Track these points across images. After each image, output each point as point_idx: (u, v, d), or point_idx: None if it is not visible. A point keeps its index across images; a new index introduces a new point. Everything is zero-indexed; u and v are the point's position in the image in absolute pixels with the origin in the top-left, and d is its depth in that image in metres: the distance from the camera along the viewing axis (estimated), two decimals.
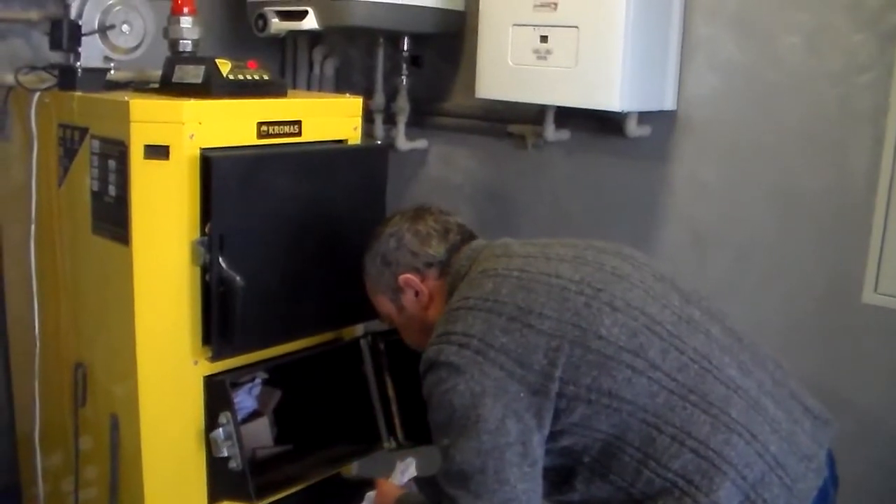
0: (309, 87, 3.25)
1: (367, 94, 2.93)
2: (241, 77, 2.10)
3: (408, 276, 1.86)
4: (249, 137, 2.07)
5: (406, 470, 2.03)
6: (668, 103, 2.50)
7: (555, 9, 2.39)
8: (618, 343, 1.57)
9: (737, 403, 1.58)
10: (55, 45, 2.17)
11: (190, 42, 2.24)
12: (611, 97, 2.34)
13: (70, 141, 2.14)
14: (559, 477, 1.65)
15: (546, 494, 1.62)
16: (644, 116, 2.52)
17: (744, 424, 1.56)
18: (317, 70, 3.24)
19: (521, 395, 1.55)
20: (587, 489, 1.62)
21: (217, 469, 2.11)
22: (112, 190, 2.01)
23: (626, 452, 1.56)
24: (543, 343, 1.56)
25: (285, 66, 3.28)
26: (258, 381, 2.38)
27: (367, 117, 2.74)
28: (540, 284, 1.63)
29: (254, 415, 2.40)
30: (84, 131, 2.09)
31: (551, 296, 1.61)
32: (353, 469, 2.53)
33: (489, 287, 1.66)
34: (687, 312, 1.67)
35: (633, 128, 2.52)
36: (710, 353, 1.62)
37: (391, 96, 3.03)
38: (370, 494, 2.01)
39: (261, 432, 2.39)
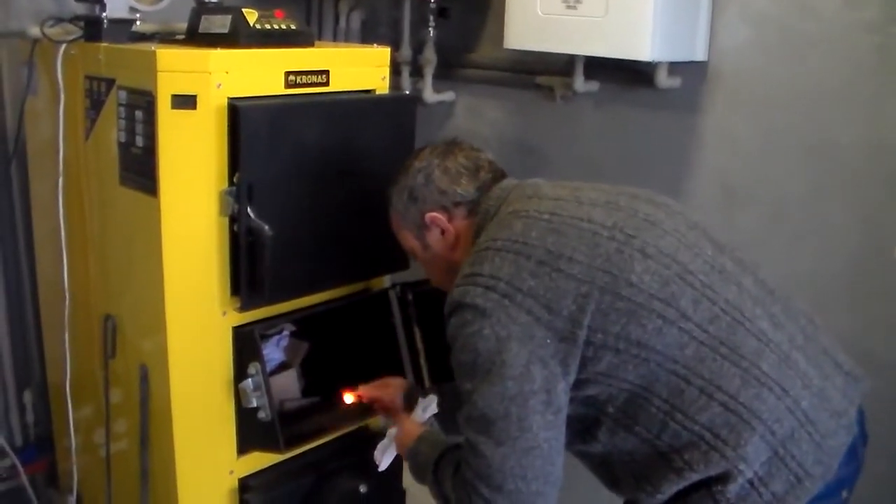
0: (335, 40, 3.23)
1: (394, 46, 2.90)
2: (268, 26, 2.08)
3: (434, 214, 1.81)
4: (277, 87, 2.06)
5: (428, 407, 2.02)
6: (699, 54, 2.46)
7: None
8: (649, 291, 1.54)
9: (768, 357, 1.55)
10: None
11: None
12: (641, 47, 2.31)
13: (97, 93, 2.14)
14: (582, 426, 1.63)
15: (568, 443, 1.60)
16: (674, 67, 2.49)
17: (775, 379, 1.54)
18: (343, 23, 3.22)
19: (548, 341, 1.52)
20: (611, 440, 1.61)
21: (246, 420, 2.13)
22: (139, 141, 2.00)
23: (652, 404, 1.54)
24: (573, 288, 1.53)
25: (310, 19, 3.26)
26: (286, 333, 2.38)
27: (395, 70, 2.72)
28: (571, 228, 1.60)
29: (281, 367, 2.41)
30: (111, 82, 2.08)
31: (582, 240, 1.57)
32: (380, 421, 2.53)
33: (518, 229, 1.62)
34: (720, 262, 1.64)
35: (663, 79, 2.49)
36: (742, 305, 1.59)
37: (418, 48, 3.01)
38: (391, 431, 2.01)
39: (289, 384, 2.40)
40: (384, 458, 2.00)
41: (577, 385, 1.56)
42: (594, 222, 1.61)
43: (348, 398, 2.24)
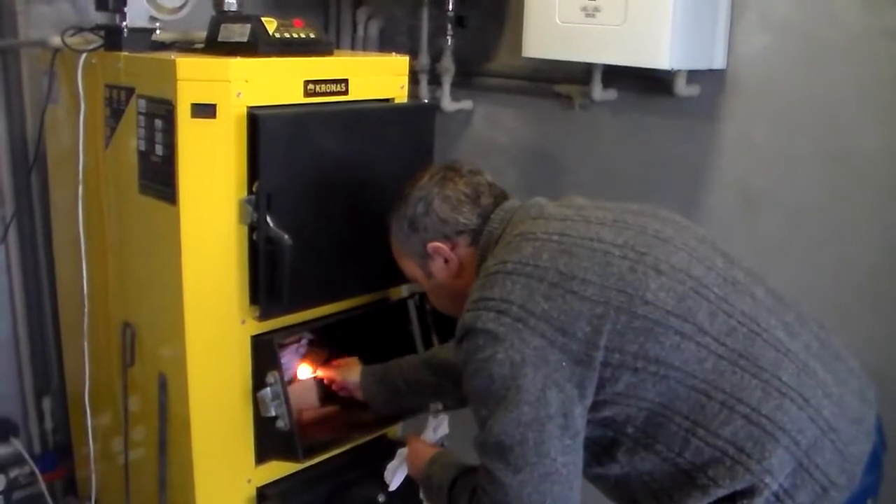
0: (353, 49, 3.23)
1: (412, 55, 2.89)
2: (287, 35, 2.08)
3: (437, 243, 1.79)
4: (296, 96, 2.06)
5: (438, 427, 2.03)
6: (718, 62, 2.45)
7: None
8: (665, 308, 1.52)
9: (787, 367, 1.54)
10: (101, 5, 2.18)
11: (235, 1, 2.23)
12: (660, 55, 2.30)
13: (116, 101, 2.14)
14: (600, 448, 1.61)
15: (584, 467, 1.58)
16: (693, 75, 2.48)
17: (795, 388, 1.52)
18: (360, 31, 3.22)
19: (563, 364, 1.50)
20: (630, 461, 1.59)
21: (265, 428, 2.13)
22: (159, 149, 2.01)
23: (673, 421, 1.53)
24: (587, 310, 1.51)
25: (328, 27, 3.27)
26: (304, 342, 2.38)
27: (412, 78, 2.72)
28: (582, 249, 1.58)
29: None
30: (130, 91, 2.08)
31: (594, 260, 1.56)
32: (398, 430, 2.53)
33: (528, 251, 1.60)
34: (731, 274, 1.62)
35: (681, 87, 2.48)
36: (758, 316, 1.58)
37: (436, 57, 3.01)
38: (402, 451, 2.02)
39: (307, 393, 2.40)
40: (394, 477, 2.02)
41: (595, 407, 1.55)
42: (605, 242, 1.59)
43: (305, 371, 2.32)
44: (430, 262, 1.83)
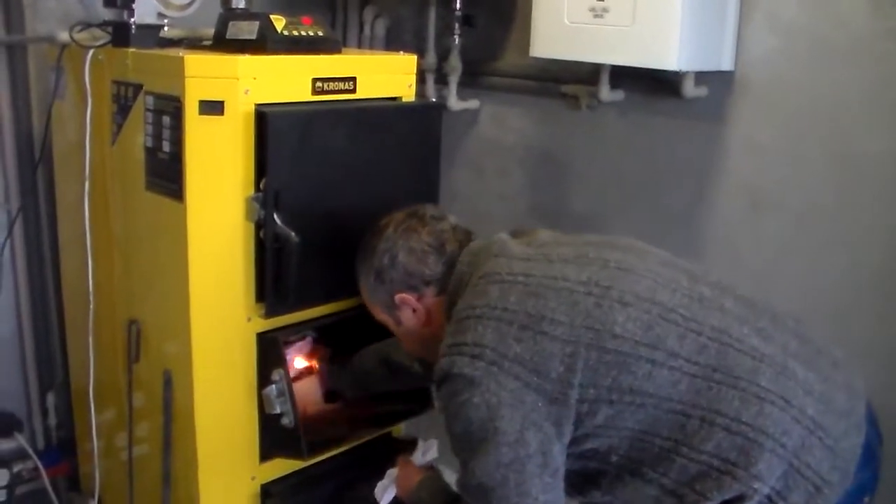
0: (360, 48, 3.23)
1: (419, 54, 2.89)
2: (295, 33, 2.08)
3: (403, 295, 1.83)
4: (304, 94, 2.06)
5: (428, 451, 2.06)
6: (726, 63, 2.45)
7: None
8: (634, 338, 1.54)
9: (764, 372, 1.55)
10: (109, 1, 2.18)
11: None
12: (668, 56, 2.30)
13: (124, 98, 2.14)
14: (581, 478, 1.64)
15: (567, 497, 1.61)
16: (701, 77, 2.47)
17: (775, 392, 1.54)
18: (367, 31, 3.22)
19: (539, 404, 1.53)
20: (612, 487, 1.62)
21: (269, 426, 2.13)
22: (166, 146, 2.00)
23: (654, 444, 1.55)
24: (558, 350, 1.54)
25: (335, 26, 3.27)
26: (308, 339, 2.38)
27: (419, 77, 2.71)
28: (547, 289, 1.60)
29: (304, 373, 2.41)
30: (138, 88, 2.08)
31: (560, 300, 1.58)
32: (402, 429, 2.53)
33: (495, 294, 1.62)
34: (697, 291, 1.64)
35: (689, 88, 2.47)
36: (729, 328, 1.59)
37: (443, 56, 3.01)
38: (391, 471, 2.04)
39: (311, 391, 2.40)
40: (384, 496, 2.05)
41: (577, 441, 1.58)
42: (569, 279, 1.61)
43: (300, 362, 2.32)
44: (397, 311, 1.86)
